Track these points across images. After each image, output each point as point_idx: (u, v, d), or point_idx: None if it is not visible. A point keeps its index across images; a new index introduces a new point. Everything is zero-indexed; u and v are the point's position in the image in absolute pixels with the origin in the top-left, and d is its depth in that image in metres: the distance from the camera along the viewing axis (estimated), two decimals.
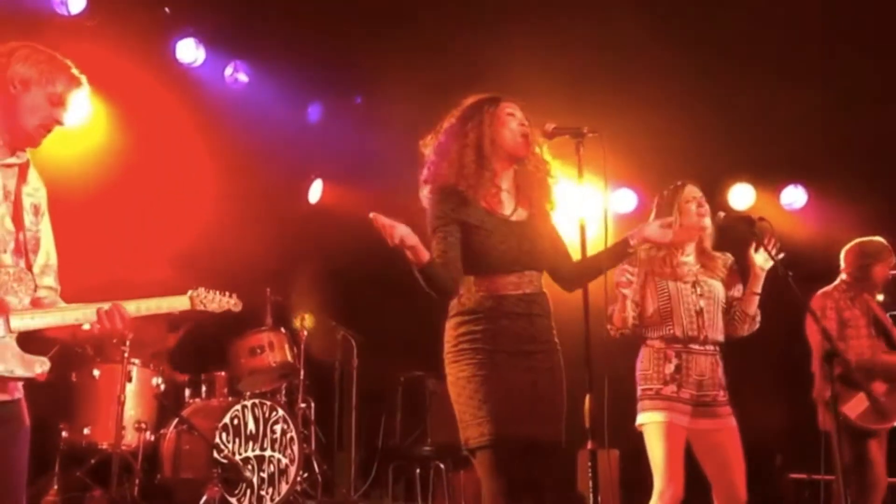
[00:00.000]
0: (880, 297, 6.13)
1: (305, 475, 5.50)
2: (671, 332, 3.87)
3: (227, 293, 3.35)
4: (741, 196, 7.20)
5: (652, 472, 3.87)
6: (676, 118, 6.63)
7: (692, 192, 4.04)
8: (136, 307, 2.99)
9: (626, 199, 7.47)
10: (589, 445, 3.05)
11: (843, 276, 5.08)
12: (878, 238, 5.12)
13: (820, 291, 5.07)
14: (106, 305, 2.64)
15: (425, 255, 2.91)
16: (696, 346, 3.89)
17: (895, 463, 5.26)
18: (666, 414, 3.81)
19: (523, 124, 3.19)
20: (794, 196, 7.16)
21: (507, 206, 3.19)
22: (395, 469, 6.61)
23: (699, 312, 3.91)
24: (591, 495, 3.07)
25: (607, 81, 6.65)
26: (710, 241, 4.06)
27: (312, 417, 6.34)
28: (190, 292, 3.06)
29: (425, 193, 3.20)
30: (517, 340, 3.04)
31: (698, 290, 3.95)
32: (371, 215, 2.85)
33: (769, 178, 7.14)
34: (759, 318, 4.02)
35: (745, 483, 3.87)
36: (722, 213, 4.04)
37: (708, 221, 4.02)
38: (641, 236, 3.30)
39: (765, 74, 6.41)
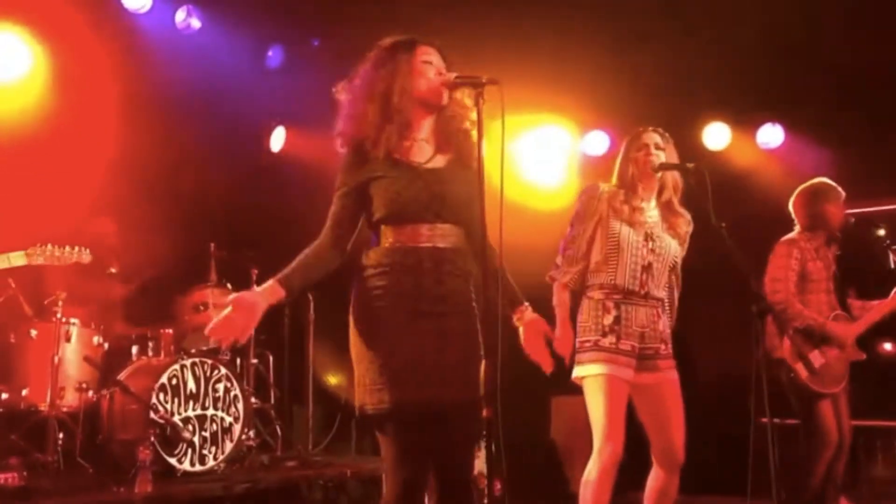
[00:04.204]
0: (881, 232, 5.92)
1: (251, 433, 5.40)
2: (612, 280, 3.71)
3: (77, 247, 3.25)
4: (716, 135, 6.93)
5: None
6: (649, 57, 6.37)
7: (648, 138, 3.85)
8: None
9: (598, 142, 7.24)
10: (484, 413, 2.88)
11: (797, 227, 4.85)
12: (823, 179, 4.88)
13: (785, 238, 4.84)
14: None
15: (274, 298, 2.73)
16: (636, 299, 3.74)
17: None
18: (606, 366, 3.66)
19: (441, 72, 2.97)
20: (771, 135, 6.86)
21: (423, 155, 2.96)
22: (359, 423, 6.50)
23: (646, 267, 3.74)
24: (486, 465, 2.90)
25: (578, 19, 6.38)
26: (674, 193, 3.86)
27: (271, 373, 6.24)
28: (28, 249, 2.96)
29: (339, 147, 3.00)
30: (426, 300, 2.83)
31: (650, 244, 3.76)
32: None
33: (745, 116, 6.86)
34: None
35: (683, 440, 3.75)
36: (657, 161, 3.83)
37: (655, 168, 3.81)
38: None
39: (740, 9, 6.11)
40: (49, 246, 3.07)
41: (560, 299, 3.85)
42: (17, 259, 2.88)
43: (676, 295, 3.91)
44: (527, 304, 3.05)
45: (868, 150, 6.05)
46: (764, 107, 6.77)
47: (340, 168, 2.93)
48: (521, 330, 3.01)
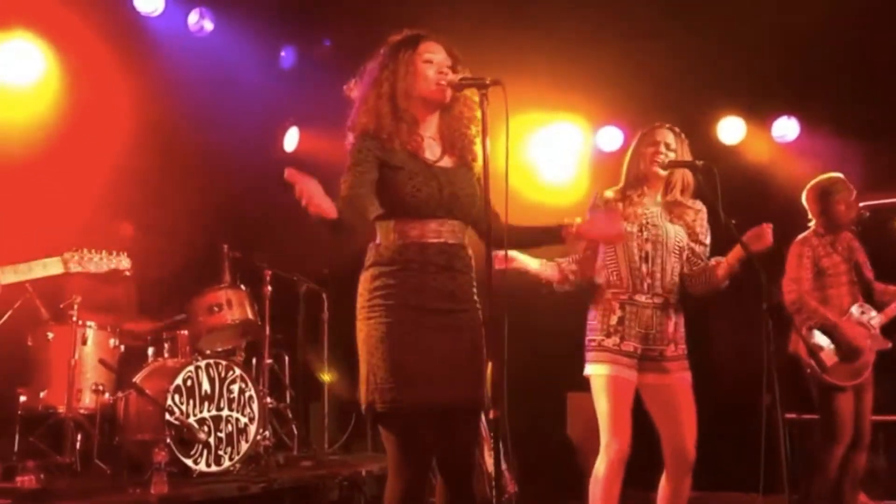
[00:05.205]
0: None
1: (267, 433, 5.42)
2: (615, 275, 3.75)
3: (115, 252, 3.26)
4: (731, 129, 6.89)
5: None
6: (662, 51, 6.33)
7: (660, 136, 3.83)
8: (13, 272, 2.86)
9: (612, 138, 7.20)
10: (492, 414, 2.89)
11: (812, 222, 4.86)
12: (831, 174, 4.86)
13: (799, 237, 4.86)
14: None
15: (333, 214, 2.64)
16: (641, 298, 3.73)
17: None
18: (609, 367, 3.71)
19: (442, 71, 2.97)
20: (786, 128, 6.81)
21: (432, 153, 3.00)
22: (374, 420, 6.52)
23: (644, 258, 3.74)
24: (494, 465, 2.90)
25: (590, 15, 6.35)
26: (682, 193, 3.84)
27: (286, 373, 6.26)
28: (64, 254, 2.97)
29: (349, 140, 3.00)
30: (436, 297, 2.86)
31: (645, 233, 3.76)
32: (287, 172, 2.56)
33: (760, 109, 6.80)
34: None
35: (694, 440, 3.76)
36: (666, 160, 3.82)
37: (663, 165, 3.81)
38: (579, 233, 3.13)
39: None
40: (85, 251, 3.04)
41: (544, 264, 3.85)
42: (54, 266, 2.85)
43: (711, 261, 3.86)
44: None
45: (885, 143, 5.99)
46: (779, 100, 6.72)
47: (352, 153, 2.90)
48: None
